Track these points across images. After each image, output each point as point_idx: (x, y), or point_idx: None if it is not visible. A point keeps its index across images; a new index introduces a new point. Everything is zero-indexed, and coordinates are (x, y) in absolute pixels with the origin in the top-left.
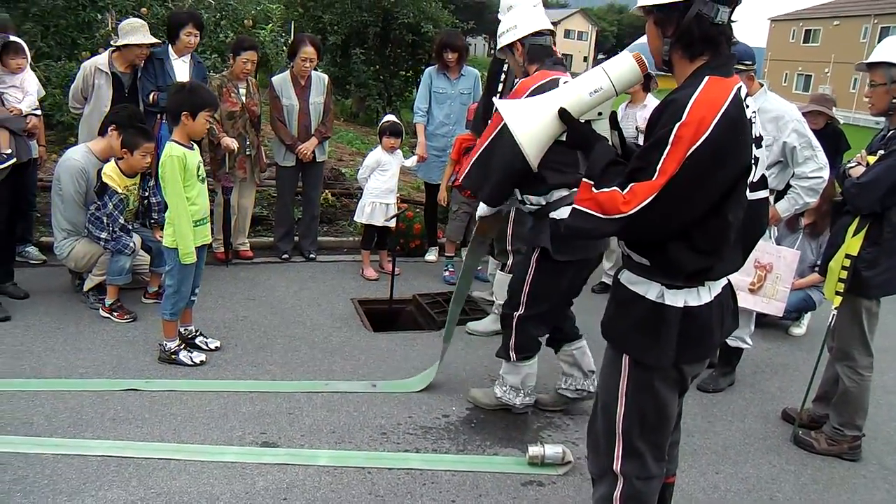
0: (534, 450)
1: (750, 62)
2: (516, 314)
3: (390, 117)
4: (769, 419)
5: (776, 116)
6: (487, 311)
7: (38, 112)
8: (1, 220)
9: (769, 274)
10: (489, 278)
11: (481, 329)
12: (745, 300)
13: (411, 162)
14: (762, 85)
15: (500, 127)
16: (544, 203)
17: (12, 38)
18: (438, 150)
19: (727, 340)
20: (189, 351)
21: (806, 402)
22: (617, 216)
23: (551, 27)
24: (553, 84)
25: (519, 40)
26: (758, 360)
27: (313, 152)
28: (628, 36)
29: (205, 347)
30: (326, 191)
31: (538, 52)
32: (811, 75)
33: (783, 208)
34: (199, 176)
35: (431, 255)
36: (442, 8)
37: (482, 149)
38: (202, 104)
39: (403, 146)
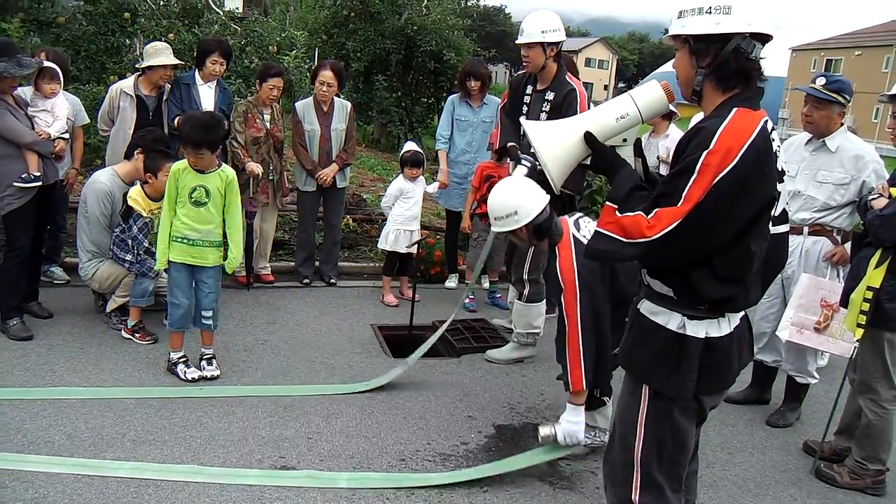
0: (545, 430)
1: (849, 97)
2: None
3: (411, 146)
4: (790, 451)
5: (857, 155)
6: (507, 338)
7: (66, 136)
8: (27, 240)
9: (836, 314)
10: (508, 306)
11: (500, 357)
12: (810, 339)
13: (433, 188)
14: (843, 124)
15: None
16: None
17: (47, 63)
18: (460, 178)
19: (795, 377)
20: (186, 366)
21: (827, 435)
22: (640, 240)
23: None
24: None
25: (560, 42)
26: (778, 391)
27: (334, 178)
28: (648, 65)
29: (202, 371)
30: (348, 216)
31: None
32: None
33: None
34: (191, 198)
35: (451, 282)
36: (464, 36)
37: None
38: (187, 142)
39: (425, 172)
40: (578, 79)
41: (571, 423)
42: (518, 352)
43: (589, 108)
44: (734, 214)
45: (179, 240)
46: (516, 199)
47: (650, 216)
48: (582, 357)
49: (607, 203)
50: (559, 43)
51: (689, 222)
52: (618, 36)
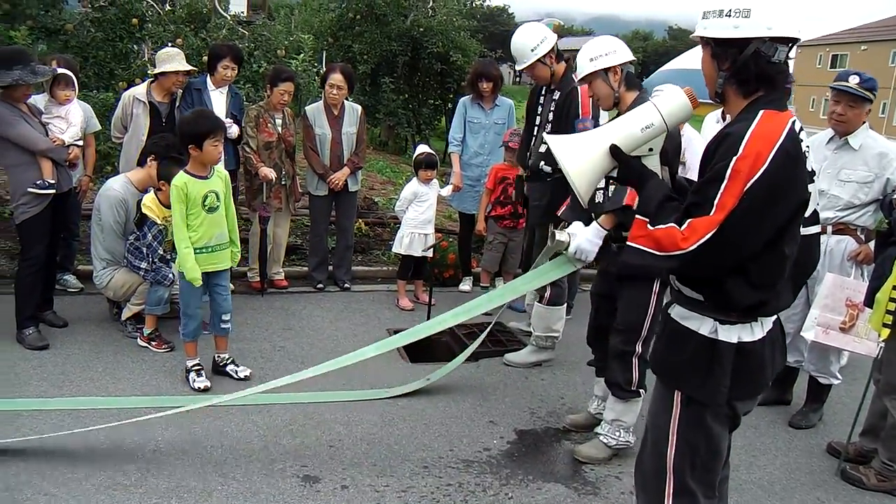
0: (561, 235)
1: (875, 94)
2: (636, 353)
3: (424, 149)
4: (814, 453)
5: (881, 153)
6: (524, 341)
7: (80, 143)
8: (42, 248)
9: (861, 313)
10: (526, 308)
11: (519, 360)
12: (835, 339)
13: (446, 191)
14: (865, 122)
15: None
16: None
17: (60, 70)
18: (472, 180)
19: (817, 377)
20: (198, 375)
21: (852, 436)
22: (676, 253)
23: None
24: None
25: (619, 65)
26: (799, 391)
27: (346, 182)
28: (653, 62)
29: (234, 376)
30: (359, 220)
31: (634, 80)
32: None
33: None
34: (205, 206)
35: (466, 285)
36: (470, 37)
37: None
38: (205, 133)
39: (437, 175)
40: None
41: (589, 241)
42: (537, 355)
43: (592, 106)
44: (768, 219)
45: (200, 251)
46: (615, 41)
47: (684, 227)
48: None
49: (637, 217)
50: (553, 47)
51: (723, 231)
52: (621, 34)
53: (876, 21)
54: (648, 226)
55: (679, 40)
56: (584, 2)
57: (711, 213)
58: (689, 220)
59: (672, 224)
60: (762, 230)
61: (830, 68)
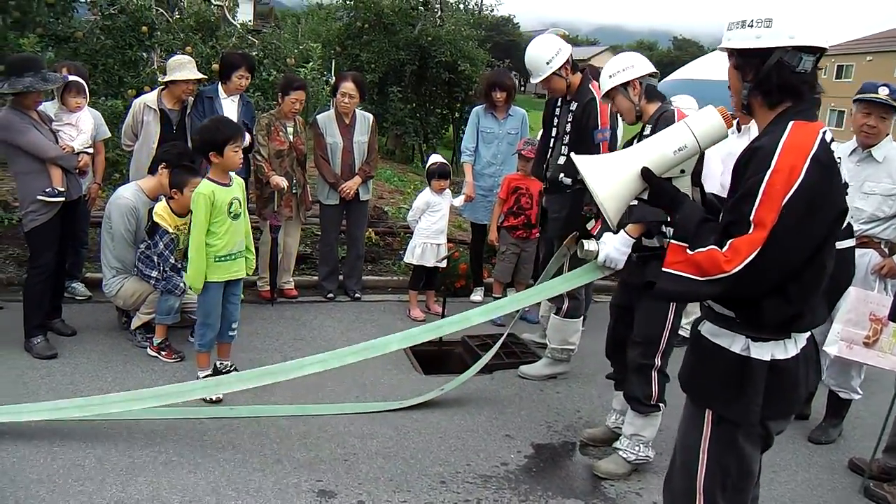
0: (590, 245)
1: None
2: (656, 366)
3: (437, 158)
4: (835, 469)
5: None
6: (538, 353)
7: (90, 150)
8: (51, 256)
9: (885, 328)
10: (540, 320)
11: (534, 373)
12: (859, 354)
13: (459, 201)
14: (888, 134)
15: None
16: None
17: (72, 77)
18: (485, 190)
19: (837, 392)
20: None
21: (876, 453)
22: (719, 276)
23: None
24: None
25: (637, 79)
26: (817, 405)
27: (357, 191)
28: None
29: None
30: (370, 229)
31: (654, 92)
32: (844, 111)
33: None
34: (230, 213)
35: (477, 296)
36: (477, 47)
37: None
38: (226, 139)
39: (451, 186)
40: None
41: (617, 250)
42: (552, 367)
43: (610, 116)
44: (810, 233)
45: (224, 258)
46: (634, 56)
47: (725, 249)
48: None
49: (673, 241)
50: (568, 59)
51: (769, 248)
52: (626, 44)
53: (881, 32)
54: (688, 250)
55: (684, 50)
56: (589, 12)
57: (751, 232)
58: (729, 241)
59: (712, 246)
60: (806, 243)
61: (836, 79)
